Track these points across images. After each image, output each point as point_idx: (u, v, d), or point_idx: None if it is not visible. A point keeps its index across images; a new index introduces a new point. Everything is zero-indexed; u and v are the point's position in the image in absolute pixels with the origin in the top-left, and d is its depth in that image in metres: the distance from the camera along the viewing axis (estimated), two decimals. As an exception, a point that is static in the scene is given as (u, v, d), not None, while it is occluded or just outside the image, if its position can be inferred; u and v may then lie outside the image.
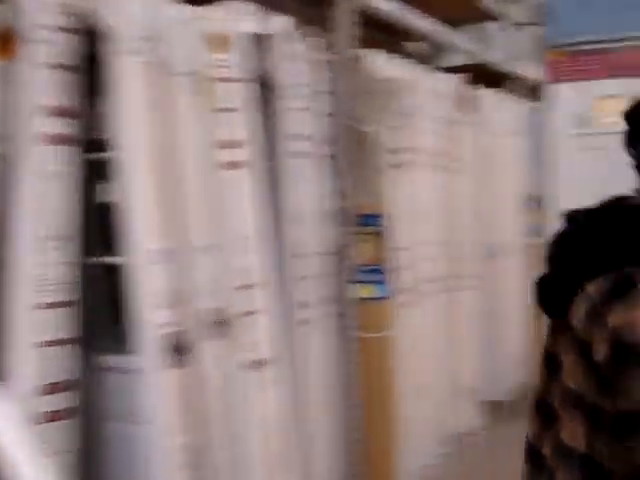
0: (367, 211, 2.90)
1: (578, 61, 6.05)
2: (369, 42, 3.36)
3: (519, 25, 5.77)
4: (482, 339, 4.39)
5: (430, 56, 4.60)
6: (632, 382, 1.04)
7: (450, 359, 3.98)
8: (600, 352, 1.08)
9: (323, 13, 2.94)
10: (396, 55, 3.54)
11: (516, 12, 5.72)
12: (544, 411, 1.25)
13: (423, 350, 3.67)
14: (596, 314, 1.09)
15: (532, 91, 5.52)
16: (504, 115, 4.81)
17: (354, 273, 2.89)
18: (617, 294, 1.08)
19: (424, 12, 3.78)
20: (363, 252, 2.85)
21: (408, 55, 3.97)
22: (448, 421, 3.96)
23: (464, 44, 4.48)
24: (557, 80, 5.94)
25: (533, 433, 1.27)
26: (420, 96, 3.63)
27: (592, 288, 1.11)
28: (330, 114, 2.96)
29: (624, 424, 1.06)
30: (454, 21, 4.65)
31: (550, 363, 1.23)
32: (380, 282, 2.92)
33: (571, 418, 1.15)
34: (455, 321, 4.06)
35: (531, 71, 5.54)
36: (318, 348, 2.90)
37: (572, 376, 1.14)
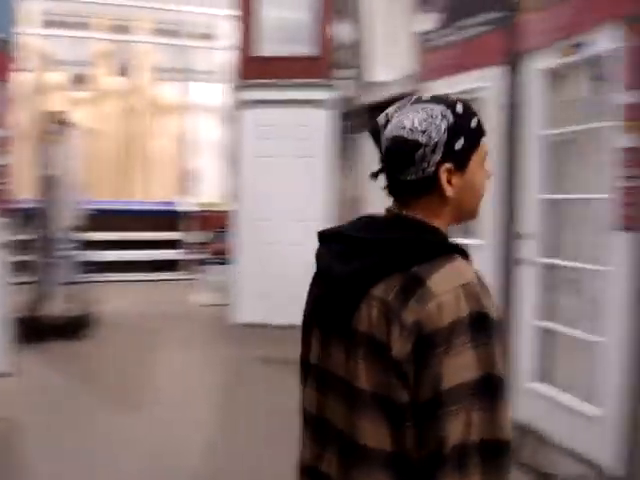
0: None
1: None
2: None
3: None
4: None
5: None
6: (438, 368, 1.13)
7: None
8: (401, 348, 1.16)
9: None
10: None
11: None
12: (319, 430, 1.30)
13: None
14: (391, 314, 1.18)
15: None
16: None
17: None
18: (407, 293, 1.17)
19: None
20: None
21: None
22: None
23: None
24: None
25: (309, 455, 1.32)
26: None
27: (379, 291, 1.21)
28: None
29: (429, 409, 1.14)
30: None
31: (321, 379, 1.30)
32: None
33: (371, 420, 1.19)
34: None
35: None
36: None
37: (367, 379, 1.20)
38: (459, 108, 1.27)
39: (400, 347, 1.17)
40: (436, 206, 1.29)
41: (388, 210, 1.32)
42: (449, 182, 1.27)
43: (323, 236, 1.37)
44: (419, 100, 1.29)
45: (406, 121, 1.26)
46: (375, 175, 1.32)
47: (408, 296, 1.19)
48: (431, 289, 1.18)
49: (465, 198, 1.30)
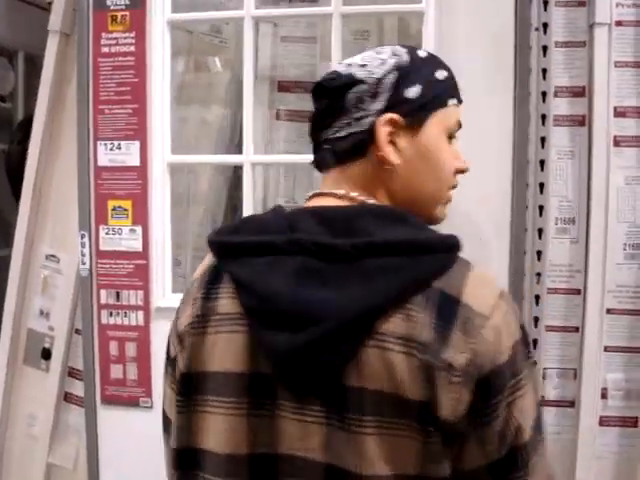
0: None
1: None
2: None
3: None
4: None
5: None
6: (515, 414, 0.81)
7: None
8: (455, 406, 0.78)
9: None
10: None
11: None
12: None
13: None
14: (430, 356, 0.77)
15: None
16: None
17: None
18: (446, 321, 0.78)
19: None
20: None
21: None
22: None
23: None
24: None
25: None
26: None
27: (395, 325, 0.78)
28: None
29: None
30: None
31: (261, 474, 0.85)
32: None
33: None
34: None
35: None
36: None
37: (386, 460, 0.79)
38: (422, 53, 0.91)
39: (454, 404, 0.76)
40: (373, 186, 0.88)
41: (329, 195, 0.88)
42: (392, 143, 0.86)
43: (233, 246, 0.85)
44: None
45: (347, 60, 0.90)
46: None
47: (448, 325, 0.77)
48: (473, 309, 0.78)
49: (420, 176, 0.89)
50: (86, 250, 1.64)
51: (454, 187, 0.94)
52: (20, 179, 2.07)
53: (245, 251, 0.84)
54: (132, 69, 1.59)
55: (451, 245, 0.83)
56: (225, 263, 0.87)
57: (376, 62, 0.87)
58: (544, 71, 1.61)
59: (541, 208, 1.61)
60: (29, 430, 1.89)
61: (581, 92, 1.59)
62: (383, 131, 0.86)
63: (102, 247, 1.64)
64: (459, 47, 1.49)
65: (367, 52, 0.90)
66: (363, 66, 0.87)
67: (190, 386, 0.88)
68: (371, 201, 0.87)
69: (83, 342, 1.69)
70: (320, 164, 0.91)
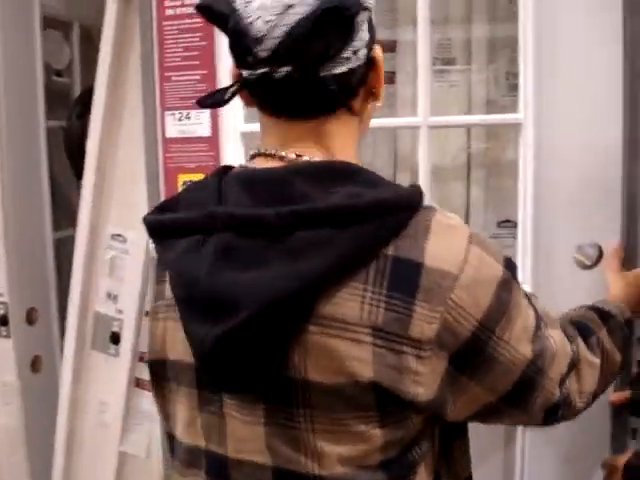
0: None
1: None
2: None
3: None
4: None
5: None
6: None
7: None
8: (426, 390, 0.74)
9: None
10: None
11: None
12: None
13: None
14: (389, 340, 0.69)
15: None
16: None
17: None
18: (405, 294, 0.69)
19: None
20: None
21: None
22: None
23: None
24: None
25: None
26: None
27: (337, 307, 0.69)
28: None
29: None
30: None
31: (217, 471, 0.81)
32: None
33: None
34: None
35: None
36: None
37: (339, 460, 0.74)
38: None
39: (425, 388, 0.70)
40: (352, 127, 0.78)
41: (274, 156, 0.76)
42: None
43: (157, 227, 0.77)
44: None
45: None
46: (238, 90, 0.77)
47: (408, 299, 0.68)
48: (442, 269, 0.69)
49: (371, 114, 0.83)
50: (156, 228, 1.54)
51: None
52: (81, 156, 1.99)
53: (169, 232, 0.75)
54: (200, 31, 1.46)
55: (407, 200, 0.73)
56: (155, 245, 0.79)
57: None
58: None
59: None
60: (100, 417, 1.83)
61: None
62: (380, 63, 0.78)
63: (172, 224, 1.53)
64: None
65: None
66: None
67: (156, 372, 0.84)
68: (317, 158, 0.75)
69: (153, 325, 1.60)
70: (301, 109, 0.75)
